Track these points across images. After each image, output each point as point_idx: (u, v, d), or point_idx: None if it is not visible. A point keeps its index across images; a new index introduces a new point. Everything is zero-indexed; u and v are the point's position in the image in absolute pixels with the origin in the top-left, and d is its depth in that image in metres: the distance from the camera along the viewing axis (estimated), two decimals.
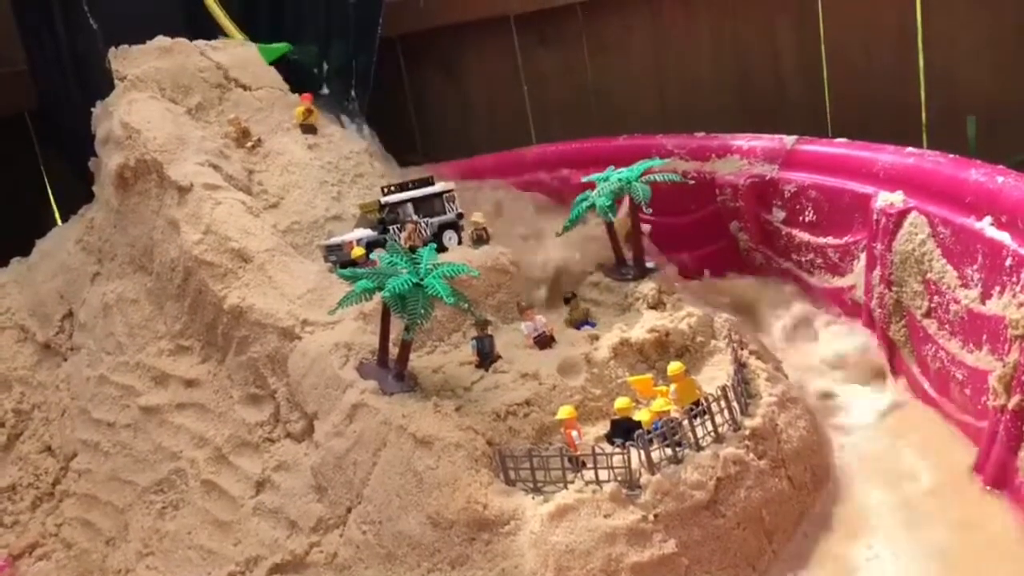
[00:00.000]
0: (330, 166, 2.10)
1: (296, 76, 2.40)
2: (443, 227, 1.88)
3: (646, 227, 1.93)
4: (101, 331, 2.01)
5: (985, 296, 1.55)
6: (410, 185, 1.89)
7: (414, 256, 1.50)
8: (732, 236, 2.19)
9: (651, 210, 1.80)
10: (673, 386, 1.45)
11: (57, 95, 2.79)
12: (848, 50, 2.58)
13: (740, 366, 1.57)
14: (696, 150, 2.25)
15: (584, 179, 1.94)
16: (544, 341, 1.65)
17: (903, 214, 1.73)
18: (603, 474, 1.32)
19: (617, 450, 1.33)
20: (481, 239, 1.85)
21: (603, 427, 1.50)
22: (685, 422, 1.38)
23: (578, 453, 1.38)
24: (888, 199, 1.77)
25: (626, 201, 1.83)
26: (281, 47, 2.52)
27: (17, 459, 2.01)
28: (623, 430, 1.40)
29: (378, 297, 1.48)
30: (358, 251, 1.77)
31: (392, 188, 1.88)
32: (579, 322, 1.74)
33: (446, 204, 1.89)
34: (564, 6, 2.89)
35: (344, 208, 2.03)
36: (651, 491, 1.31)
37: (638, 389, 1.53)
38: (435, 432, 1.42)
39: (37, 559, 1.87)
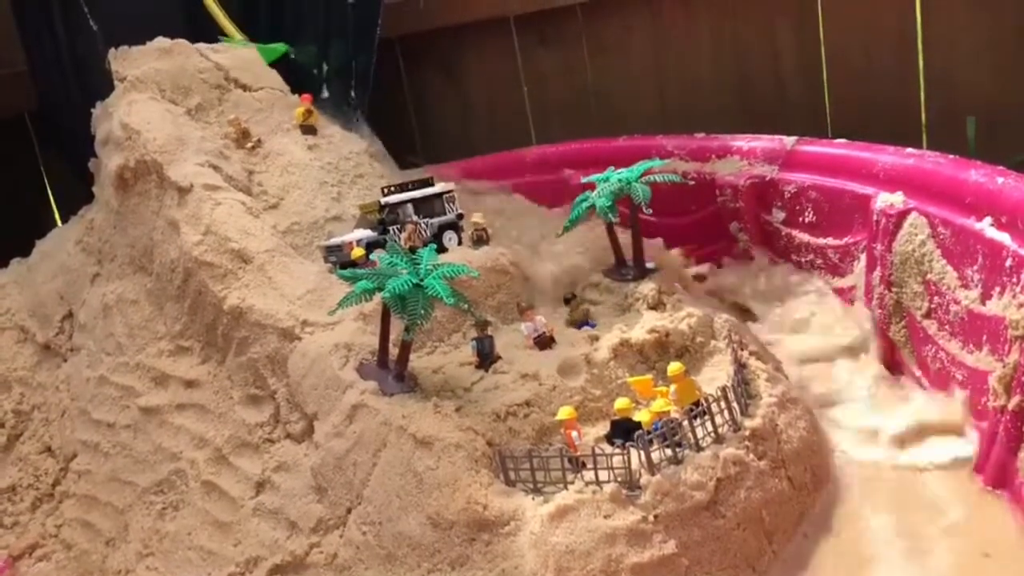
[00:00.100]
0: (330, 167, 2.10)
1: (296, 77, 2.40)
2: (443, 228, 1.88)
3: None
4: (101, 332, 2.01)
5: (985, 297, 1.55)
6: (410, 186, 1.89)
7: (414, 257, 1.50)
8: (732, 237, 2.20)
9: (651, 211, 1.80)
10: (673, 387, 1.45)
11: (57, 96, 2.80)
12: (848, 51, 2.58)
13: (740, 366, 1.57)
14: (696, 151, 2.26)
15: (584, 180, 1.94)
16: (544, 342, 1.65)
17: (903, 215, 1.73)
18: (603, 475, 1.32)
19: (617, 451, 1.33)
20: (481, 240, 1.85)
21: (603, 428, 1.50)
22: (685, 423, 1.38)
23: (578, 454, 1.38)
24: (888, 200, 1.77)
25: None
26: (280, 48, 2.52)
27: (17, 460, 2.01)
28: (623, 431, 1.40)
29: (378, 298, 1.48)
30: (358, 252, 1.77)
31: (392, 189, 1.88)
32: (579, 323, 1.74)
33: (446, 205, 1.89)
34: (564, 7, 2.89)
35: (344, 209, 2.03)
36: (651, 492, 1.31)
37: (638, 390, 1.53)
38: (435, 433, 1.42)
39: (37, 560, 1.87)
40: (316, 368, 1.61)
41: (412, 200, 1.86)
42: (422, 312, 1.43)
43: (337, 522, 1.51)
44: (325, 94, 2.61)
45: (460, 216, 1.91)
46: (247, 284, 1.76)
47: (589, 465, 1.33)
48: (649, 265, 1.86)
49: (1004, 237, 1.51)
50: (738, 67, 2.75)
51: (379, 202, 1.85)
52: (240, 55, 2.26)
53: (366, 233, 1.83)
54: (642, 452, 1.32)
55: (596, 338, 1.65)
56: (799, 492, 1.47)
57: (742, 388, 1.51)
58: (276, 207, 1.99)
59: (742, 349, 1.64)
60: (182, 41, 2.19)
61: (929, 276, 1.67)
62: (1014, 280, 1.47)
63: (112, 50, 2.17)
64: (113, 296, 2.01)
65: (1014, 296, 1.46)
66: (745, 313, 2.07)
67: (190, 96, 2.12)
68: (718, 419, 1.40)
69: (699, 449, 1.37)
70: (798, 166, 2.05)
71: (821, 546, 1.42)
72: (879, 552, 1.39)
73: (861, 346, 1.85)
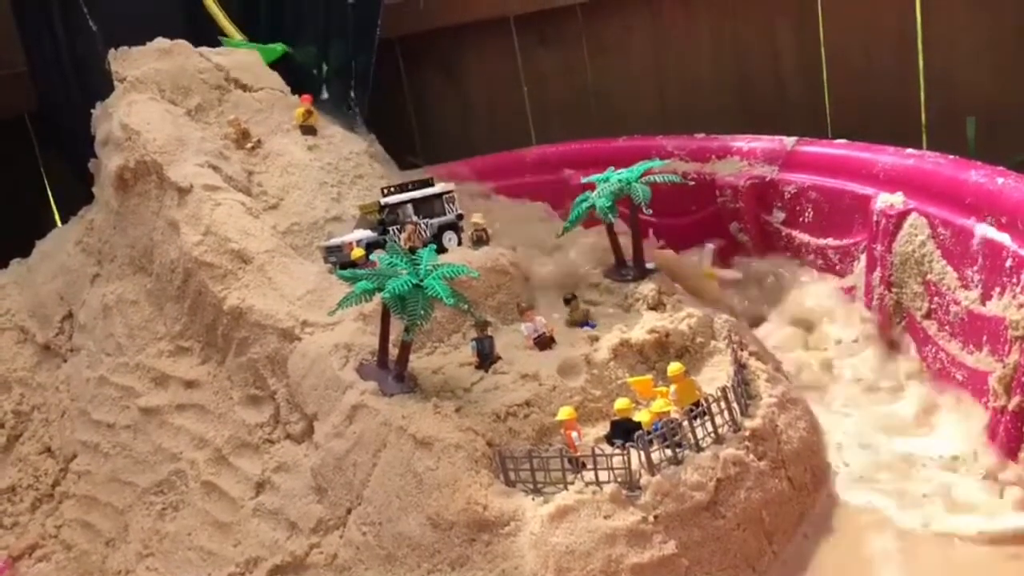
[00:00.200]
0: (330, 167, 2.10)
1: (295, 77, 2.40)
2: (443, 228, 1.88)
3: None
4: (101, 332, 2.01)
5: (985, 297, 1.55)
6: (410, 186, 1.89)
7: (414, 257, 1.49)
8: (732, 237, 2.20)
9: (651, 211, 1.80)
10: (673, 387, 1.45)
11: (57, 97, 2.80)
12: (848, 51, 2.58)
13: (740, 367, 1.57)
14: (696, 151, 2.26)
15: (584, 180, 1.94)
16: (544, 342, 1.64)
17: (903, 215, 1.73)
18: (603, 475, 1.32)
19: (617, 451, 1.33)
20: (481, 240, 1.85)
21: (603, 428, 1.50)
22: (685, 423, 1.38)
23: (578, 454, 1.38)
24: (888, 200, 1.77)
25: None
26: (279, 48, 2.52)
27: (17, 460, 2.01)
28: (623, 431, 1.40)
29: (378, 298, 1.47)
30: (358, 252, 1.77)
31: (392, 189, 1.88)
32: (579, 323, 1.74)
33: (446, 205, 1.89)
34: (564, 7, 2.89)
35: (344, 209, 2.02)
36: (651, 492, 1.31)
37: (638, 390, 1.53)
38: (435, 433, 1.42)
39: (37, 560, 1.87)
40: (316, 368, 1.61)
41: (412, 200, 1.86)
42: (422, 312, 1.43)
43: (337, 523, 1.51)
44: (325, 95, 2.61)
45: (460, 216, 1.90)
46: (247, 284, 1.76)
47: (589, 465, 1.33)
48: (649, 266, 1.86)
49: (1004, 238, 1.51)
50: (738, 67, 2.75)
51: (379, 202, 1.85)
52: (240, 56, 2.26)
53: (366, 233, 1.83)
54: (642, 452, 1.32)
55: (596, 338, 1.65)
56: (799, 492, 1.47)
57: (742, 388, 1.51)
58: (276, 207, 1.99)
59: (742, 349, 1.64)
60: (182, 42, 2.19)
61: (929, 276, 1.67)
62: (1014, 280, 1.47)
63: (112, 51, 2.17)
64: (113, 296, 2.01)
65: (1014, 296, 1.46)
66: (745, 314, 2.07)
67: (190, 96, 2.11)
68: (718, 419, 1.40)
69: (699, 449, 1.37)
70: (798, 166, 2.05)
71: (821, 546, 1.43)
72: (879, 552, 1.39)
73: (861, 346, 1.85)
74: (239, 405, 1.76)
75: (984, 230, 1.55)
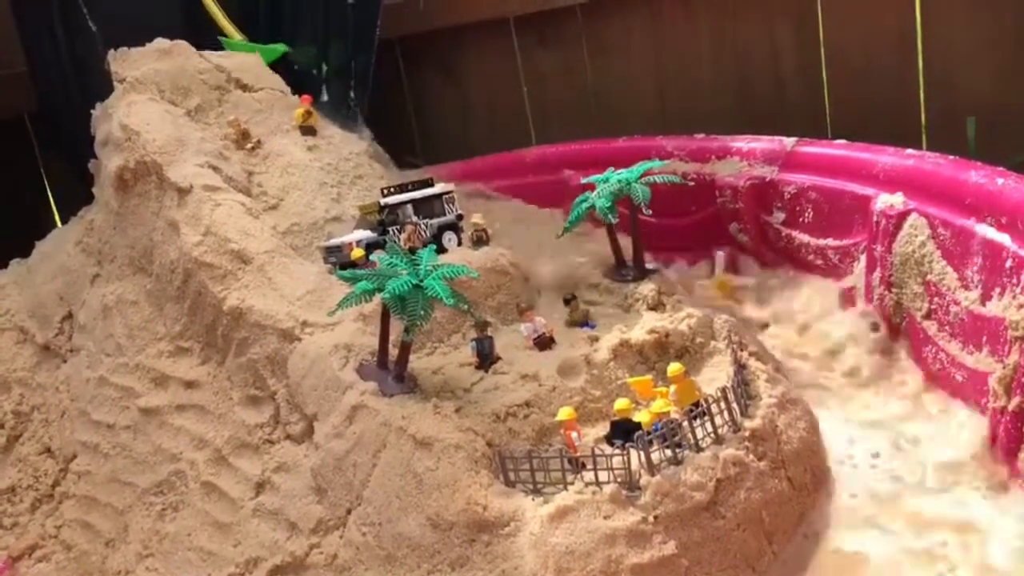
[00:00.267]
0: (330, 167, 2.10)
1: (295, 77, 2.40)
2: (443, 228, 1.88)
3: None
4: (101, 333, 2.01)
5: (985, 298, 1.55)
6: (410, 187, 1.89)
7: (414, 257, 1.49)
8: (732, 237, 2.20)
9: (651, 211, 1.80)
10: (673, 387, 1.45)
11: (57, 97, 2.80)
12: (848, 52, 2.58)
13: (740, 367, 1.57)
14: (696, 152, 2.26)
15: (584, 180, 1.94)
16: (544, 342, 1.64)
17: (903, 216, 1.73)
18: (603, 475, 1.32)
19: (617, 451, 1.33)
20: (481, 240, 1.85)
21: (603, 428, 1.50)
22: (685, 423, 1.38)
23: (578, 454, 1.38)
24: (888, 201, 1.77)
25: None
26: (279, 48, 2.52)
27: (17, 461, 2.01)
28: (623, 431, 1.40)
29: (378, 298, 1.48)
30: (358, 252, 1.77)
31: (392, 190, 1.88)
32: (579, 323, 1.74)
33: (446, 205, 1.89)
34: (564, 7, 2.89)
35: (344, 209, 2.03)
36: (651, 492, 1.31)
37: (638, 390, 1.53)
38: (435, 433, 1.42)
39: (37, 561, 1.87)
40: (316, 369, 1.61)
41: (412, 201, 1.86)
42: (422, 313, 1.43)
43: (337, 523, 1.51)
44: (325, 97, 2.61)
45: (460, 217, 1.90)
46: (247, 285, 1.76)
47: (589, 466, 1.33)
48: (649, 266, 1.86)
49: (1004, 238, 1.51)
50: (738, 68, 2.75)
51: (379, 203, 1.85)
52: (240, 56, 2.26)
53: (366, 234, 1.83)
54: (642, 453, 1.32)
55: (596, 339, 1.65)
56: (799, 493, 1.47)
57: (742, 389, 1.51)
58: (276, 208, 1.99)
59: (742, 350, 1.64)
60: (181, 42, 2.19)
61: (929, 277, 1.67)
62: (1014, 281, 1.47)
63: (111, 51, 2.17)
64: (113, 297, 2.01)
65: (1014, 297, 1.46)
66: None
67: (190, 97, 2.12)
68: (718, 420, 1.40)
69: (699, 450, 1.37)
70: (798, 167, 2.05)
71: (821, 546, 1.42)
72: (879, 552, 1.39)
73: (861, 346, 1.85)
74: (239, 405, 1.76)
75: (984, 230, 1.55)
